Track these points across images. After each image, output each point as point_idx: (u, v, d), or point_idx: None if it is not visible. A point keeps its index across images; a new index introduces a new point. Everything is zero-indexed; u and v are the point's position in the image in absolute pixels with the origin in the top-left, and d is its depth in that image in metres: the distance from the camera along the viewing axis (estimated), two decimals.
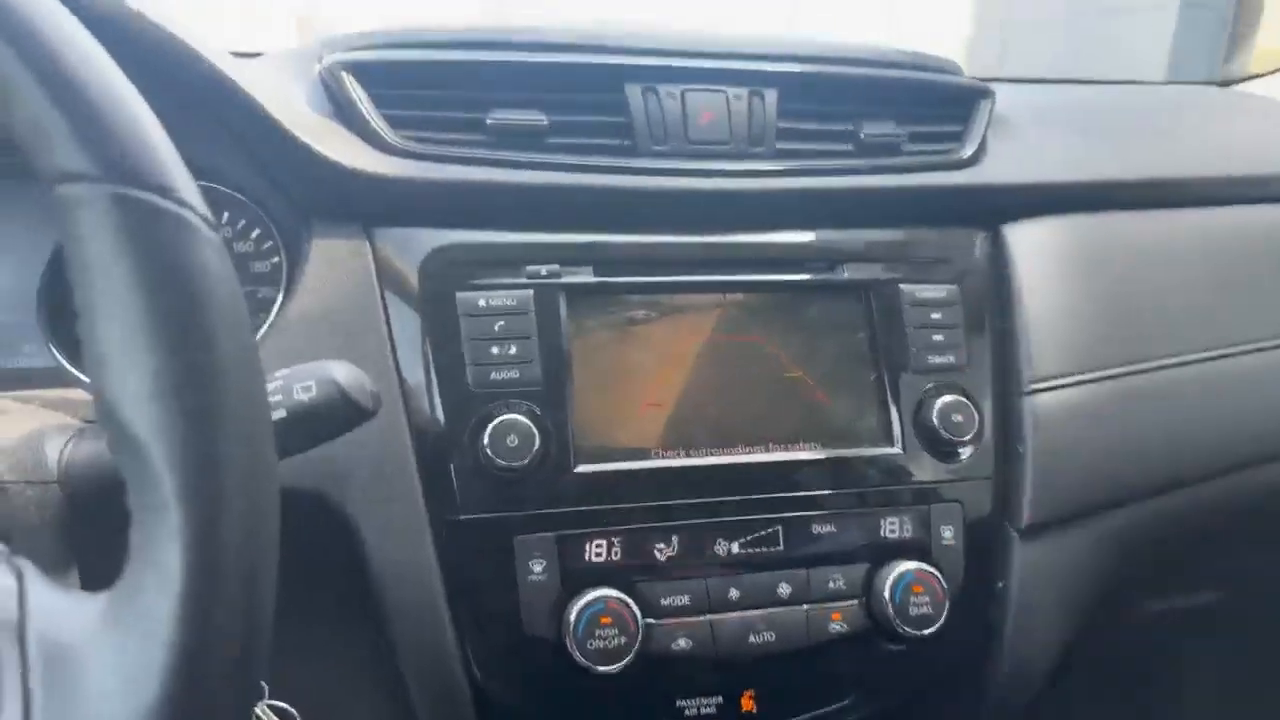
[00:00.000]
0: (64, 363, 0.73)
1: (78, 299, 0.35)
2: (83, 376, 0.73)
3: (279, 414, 0.50)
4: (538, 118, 0.72)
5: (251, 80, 0.67)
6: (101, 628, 0.34)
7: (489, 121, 0.71)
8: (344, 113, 0.71)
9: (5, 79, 0.34)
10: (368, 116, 0.70)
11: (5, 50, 0.34)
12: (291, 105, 0.70)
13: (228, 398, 0.35)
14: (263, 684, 0.68)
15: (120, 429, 0.34)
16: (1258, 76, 1.26)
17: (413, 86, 0.71)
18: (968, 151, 0.81)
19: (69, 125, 0.34)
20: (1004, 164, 0.83)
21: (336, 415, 0.50)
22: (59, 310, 0.74)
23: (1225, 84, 1.29)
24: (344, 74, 0.70)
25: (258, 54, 0.82)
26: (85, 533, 0.53)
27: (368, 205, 0.70)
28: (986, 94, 0.83)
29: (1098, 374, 0.80)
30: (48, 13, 0.35)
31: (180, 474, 0.34)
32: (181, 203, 0.36)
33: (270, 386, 0.51)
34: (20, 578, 0.36)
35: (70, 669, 0.34)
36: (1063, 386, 0.79)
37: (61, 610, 0.35)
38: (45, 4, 0.35)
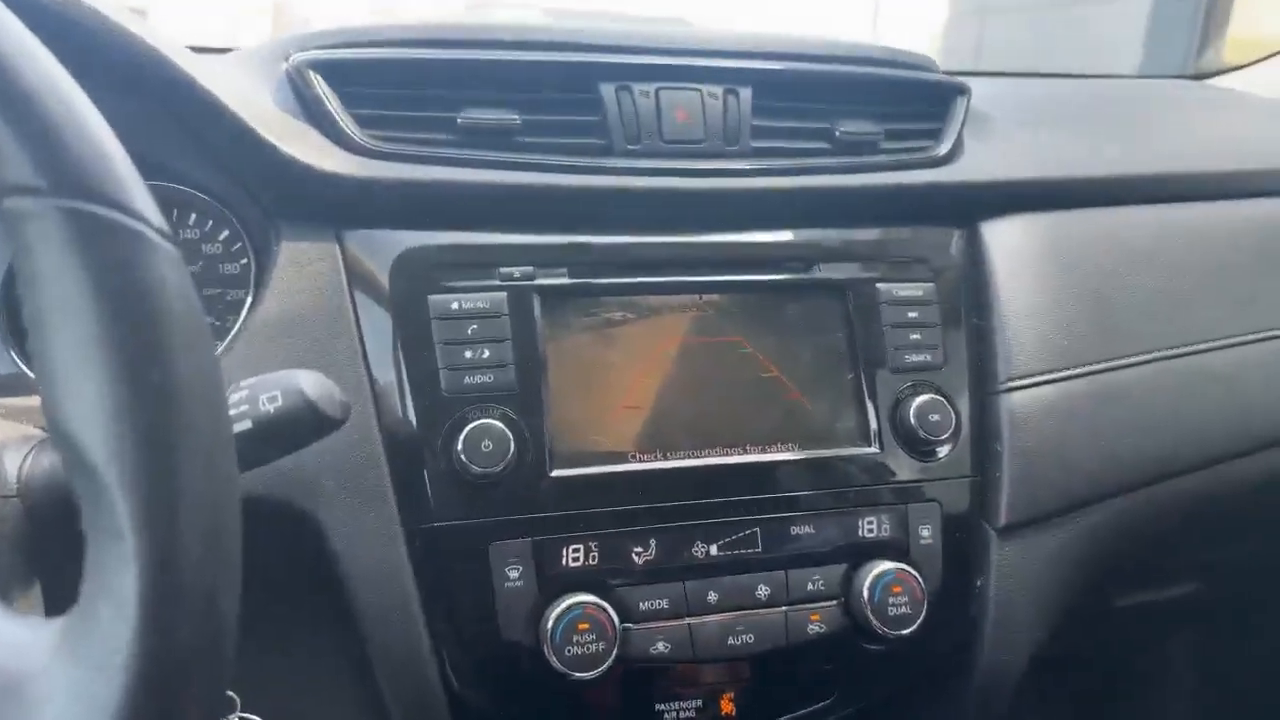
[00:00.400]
0: (26, 369, 0.71)
1: (28, 316, 0.34)
2: None
3: (244, 425, 0.49)
4: (510, 117, 0.71)
5: (215, 79, 0.65)
6: (56, 657, 0.33)
7: (460, 121, 0.70)
8: (311, 112, 0.69)
9: None
10: (335, 116, 0.68)
11: None
12: (256, 104, 0.68)
13: (185, 417, 0.34)
14: (234, 696, 0.67)
15: (73, 451, 0.33)
16: (1232, 70, 1.27)
17: (382, 85, 0.70)
18: (944, 149, 0.81)
19: (16, 137, 0.33)
20: (980, 161, 0.83)
21: (304, 426, 0.49)
22: (20, 316, 0.72)
23: (1200, 77, 1.30)
24: (311, 72, 0.69)
25: (228, 50, 0.80)
26: (48, 547, 0.52)
27: (337, 206, 0.69)
28: (963, 91, 0.83)
29: (1074, 371, 0.80)
30: None
31: (136, 497, 0.33)
32: (135, 216, 0.34)
33: (235, 397, 0.49)
34: None
35: (25, 700, 0.33)
36: (1040, 384, 0.79)
37: (14, 639, 0.34)
38: None
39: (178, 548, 0.33)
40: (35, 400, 0.71)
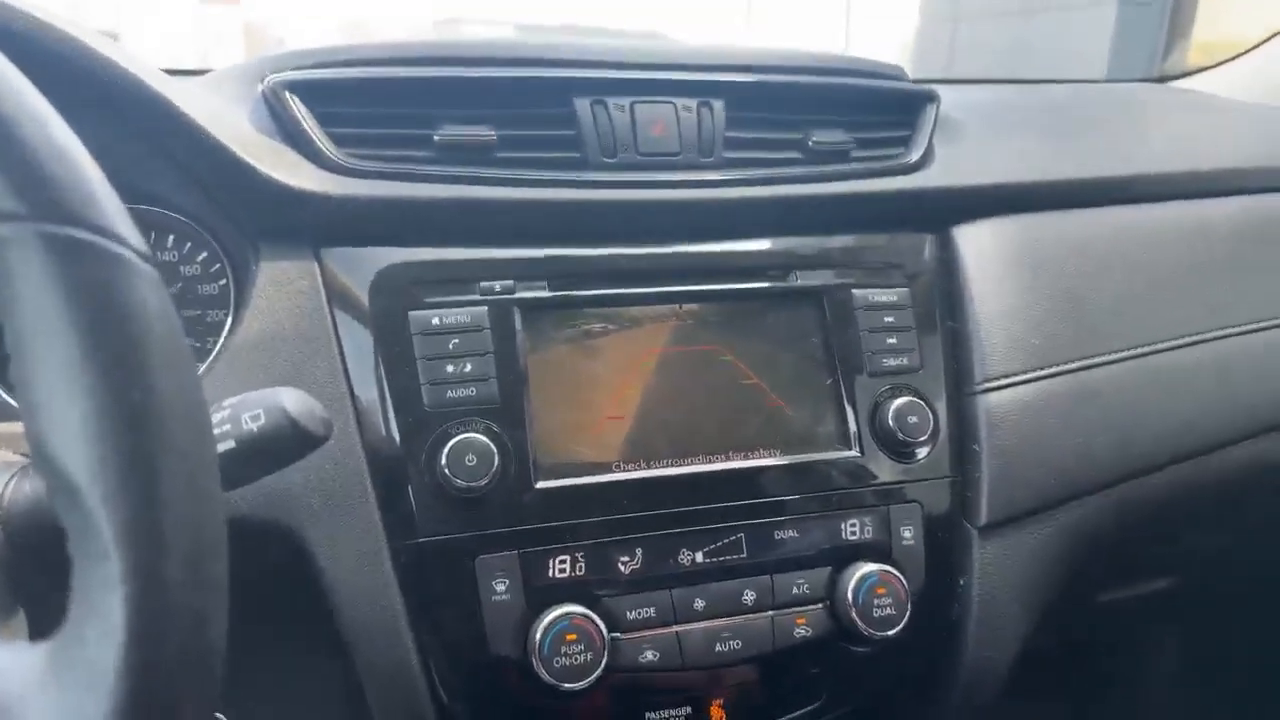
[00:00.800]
0: (5, 396, 0.71)
1: (8, 341, 0.34)
2: None
3: (228, 445, 0.49)
4: (486, 133, 0.71)
5: (191, 100, 0.66)
6: (42, 681, 0.33)
7: (436, 138, 0.71)
8: (287, 132, 0.69)
9: None
10: (312, 135, 0.69)
11: None
12: (233, 125, 0.68)
13: (167, 438, 0.34)
14: (221, 718, 0.66)
15: (56, 474, 0.33)
16: (1196, 72, 1.30)
17: (357, 104, 0.71)
18: (914, 156, 0.82)
19: None
20: (951, 167, 0.84)
21: (287, 443, 0.49)
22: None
23: (1164, 80, 1.33)
24: (286, 93, 0.69)
25: (202, 71, 0.80)
26: (29, 574, 0.52)
27: (315, 225, 0.69)
28: (932, 98, 0.84)
29: (1049, 370, 0.81)
30: None
31: (120, 520, 0.33)
32: (114, 238, 0.35)
33: (217, 417, 0.50)
34: None
35: None
36: (1015, 384, 0.80)
37: (1, 664, 0.34)
38: None
39: (163, 568, 0.34)
40: (13, 427, 0.71)
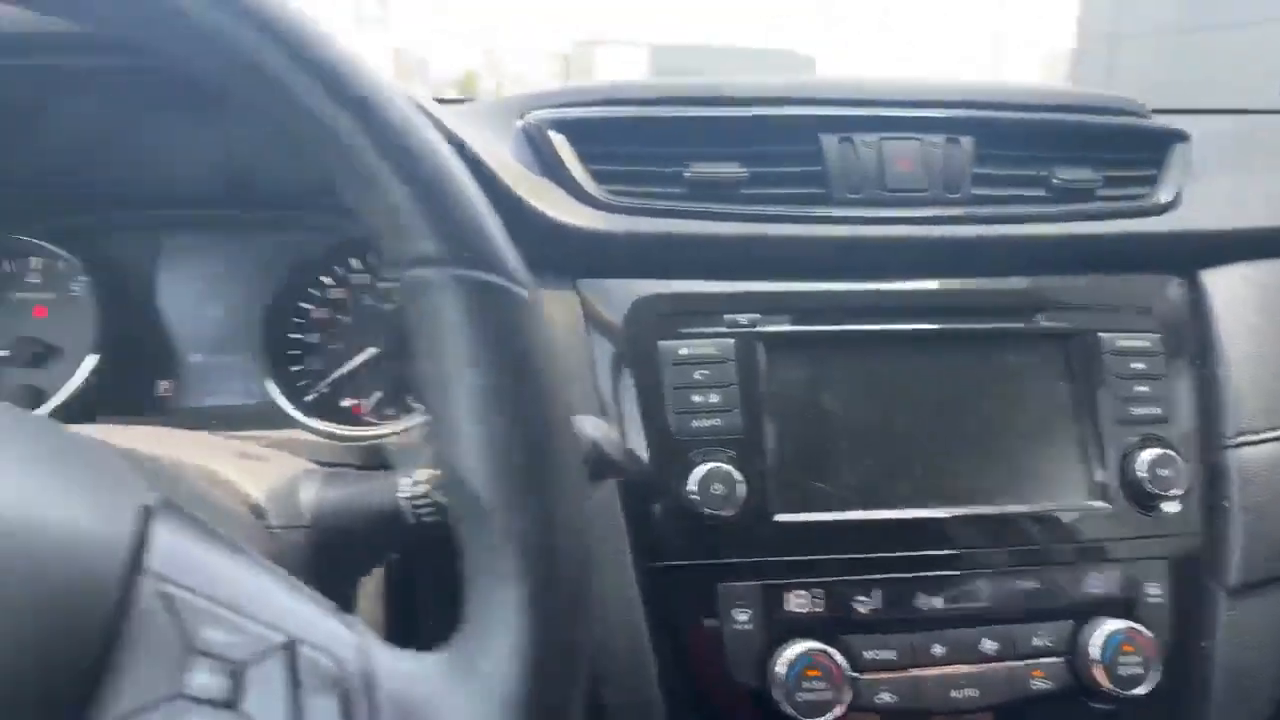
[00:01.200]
0: (287, 405, 0.77)
1: (425, 374, 0.37)
2: (301, 418, 0.77)
3: None
4: (736, 169, 0.73)
5: (464, 131, 0.70)
6: (446, 685, 0.36)
7: (687, 174, 0.73)
8: (550, 167, 0.73)
9: (367, 170, 0.36)
10: (574, 171, 0.72)
11: (366, 143, 0.36)
12: (500, 157, 0.72)
13: (561, 469, 0.37)
14: None
15: (467, 498, 0.36)
16: None
17: (614, 141, 0.73)
18: (1164, 197, 0.79)
19: (426, 216, 0.36)
20: (1200, 208, 0.80)
21: (592, 471, 0.52)
22: (280, 353, 0.79)
23: None
24: (551, 131, 0.73)
25: (461, 100, 0.85)
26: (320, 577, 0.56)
27: (574, 258, 0.72)
28: (1182, 138, 0.81)
29: None
30: (397, 104, 0.38)
31: (525, 544, 0.36)
32: (518, 281, 0.38)
33: None
34: (360, 634, 0.38)
35: None
36: (1271, 440, 0.76)
37: (404, 667, 0.37)
38: (395, 94, 0.38)
39: (558, 594, 0.36)
40: (295, 434, 0.76)
